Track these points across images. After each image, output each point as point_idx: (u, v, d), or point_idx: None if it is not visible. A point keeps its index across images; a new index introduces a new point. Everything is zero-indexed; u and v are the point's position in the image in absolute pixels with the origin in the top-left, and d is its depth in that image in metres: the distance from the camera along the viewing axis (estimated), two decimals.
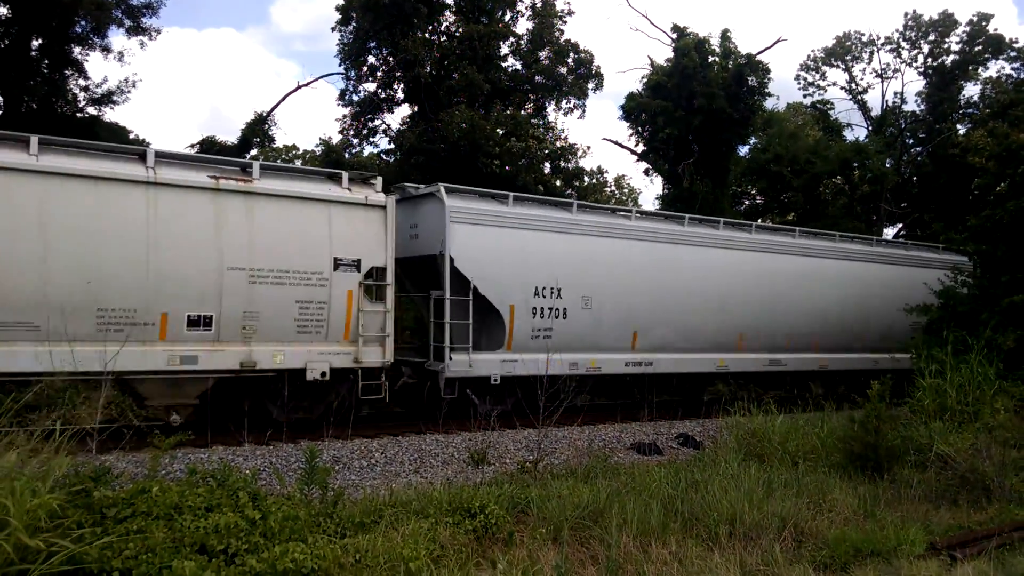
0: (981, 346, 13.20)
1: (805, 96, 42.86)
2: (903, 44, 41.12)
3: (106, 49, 25.84)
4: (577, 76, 29.55)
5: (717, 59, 30.89)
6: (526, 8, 29.43)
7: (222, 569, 5.29)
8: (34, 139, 10.50)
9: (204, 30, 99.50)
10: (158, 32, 26.41)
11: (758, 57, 30.67)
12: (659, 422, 15.17)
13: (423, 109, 26.87)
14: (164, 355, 11.16)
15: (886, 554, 7.18)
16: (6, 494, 5.04)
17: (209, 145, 27.89)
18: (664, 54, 39.63)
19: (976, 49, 38.64)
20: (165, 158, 11.73)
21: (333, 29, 28.67)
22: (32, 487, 5.27)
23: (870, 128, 41.53)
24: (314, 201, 12.45)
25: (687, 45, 30.21)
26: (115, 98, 26.16)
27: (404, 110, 29.40)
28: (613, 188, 45.04)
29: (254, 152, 30.11)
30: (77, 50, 25.24)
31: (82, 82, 25.72)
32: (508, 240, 14.28)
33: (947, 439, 10.26)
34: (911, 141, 41.16)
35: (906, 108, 41.26)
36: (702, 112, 29.30)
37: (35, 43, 24.21)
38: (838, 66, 42.84)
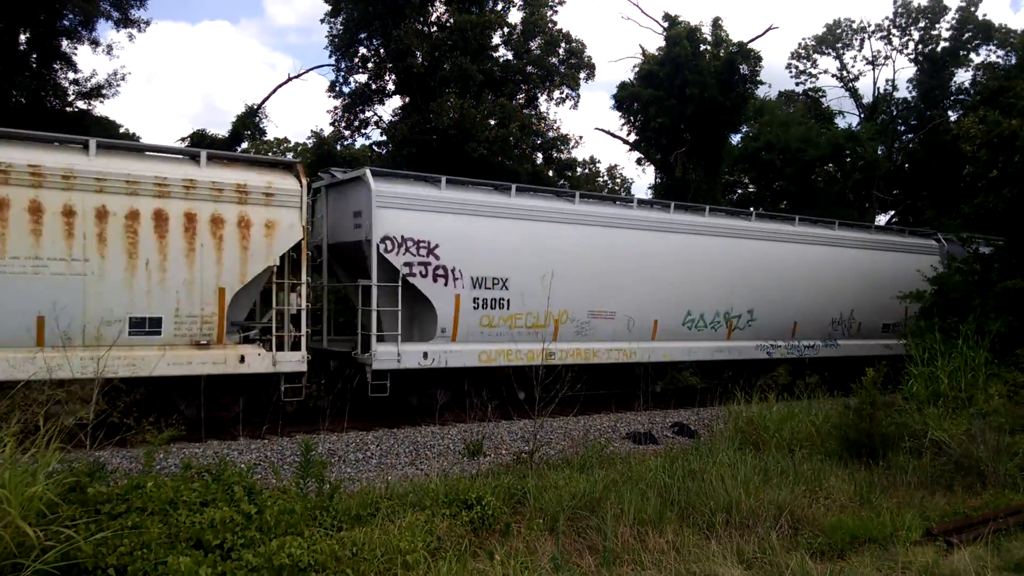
0: (972, 331, 13.21)
1: (797, 84, 42.87)
2: (893, 31, 41.13)
3: (95, 42, 25.68)
4: (569, 66, 29.42)
5: (709, 48, 30.79)
6: None
7: (218, 564, 5.26)
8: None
9: (198, 24, 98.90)
10: (147, 24, 26.24)
11: (749, 45, 30.61)
12: (654, 411, 15.20)
13: (415, 100, 26.72)
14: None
15: (883, 540, 7.20)
16: (3, 485, 5.01)
17: (200, 138, 27.69)
18: (656, 43, 39.60)
19: (966, 36, 38.67)
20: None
21: (323, 20, 28.51)
22: (25, 479, 5.23)
23: (862, 115, 41.55)
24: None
25: (678, 34, 30.11)
26: (104, 92, 25.98)
27: (395, 101, 29.24)
28: (606, 178, 44.89)
29: (245, 145, 29.95)
30: (65, 43, 25.04)
31: (71, 76, 25.54)
32: None
33: (941, 425, 10.28)
34: (903, 128, 41.17)
35: (897, 95, 41.30)
36: (694, 101, 29.24)
37: (23, 37, 24.00)
38: (829, 54, 42.80)
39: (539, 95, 29.72)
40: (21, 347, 10.21)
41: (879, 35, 41.66)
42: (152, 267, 11.16)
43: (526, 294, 14.10)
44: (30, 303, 10.40)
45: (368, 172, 13.24)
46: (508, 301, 14.13)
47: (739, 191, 40.08)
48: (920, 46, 40.07)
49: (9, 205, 10.25)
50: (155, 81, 79.43)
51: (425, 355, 13.43)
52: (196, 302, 11.46)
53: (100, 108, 26.47)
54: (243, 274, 11.84)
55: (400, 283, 13.20)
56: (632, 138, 34.73)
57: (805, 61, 42.89)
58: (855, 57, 42.49)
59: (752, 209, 20.21)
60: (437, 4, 27.62)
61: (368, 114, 29.58)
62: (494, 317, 14.06)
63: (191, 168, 11.70)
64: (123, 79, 26.38)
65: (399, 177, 14.08)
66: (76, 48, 25.43)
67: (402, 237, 13.18)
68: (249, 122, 29.41)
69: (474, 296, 13.85)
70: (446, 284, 13.59)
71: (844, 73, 42.51)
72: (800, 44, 43.63)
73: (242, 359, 11.84)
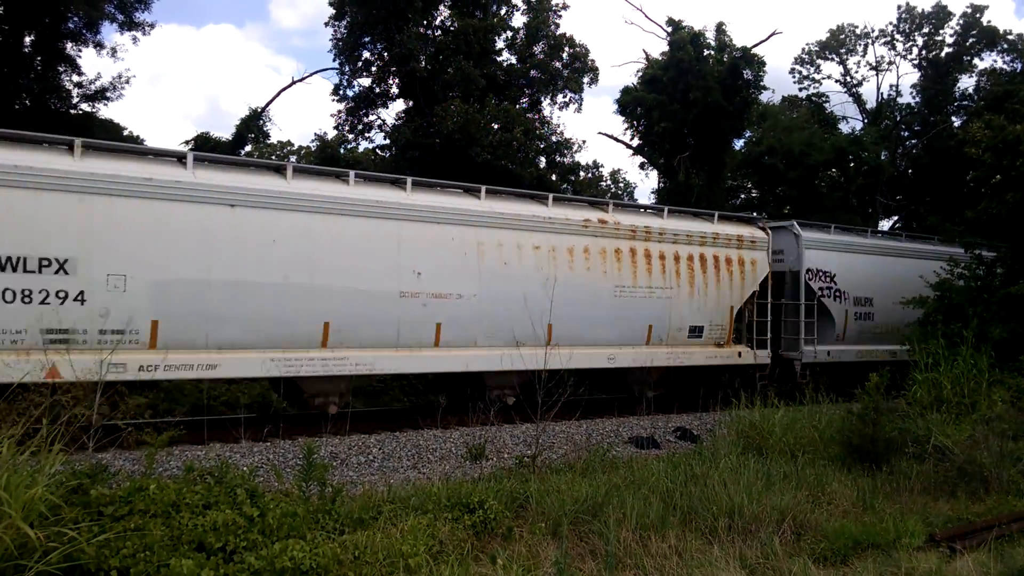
0: (972, 338, 13.16)
1: (800, 89, 42.82)
2: (897, 37, 41.09)
3: (99, 45, 25.69)
4: (572, 70, 29.46)
5: (712, 52, 30.80)
6: (521, 2, 29.41)
7: (220, 567, 5.26)
8: None
9: (203, 27, 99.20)
10: (151, 27, 26.28)
11: (753, 50, 30.62)
12: (656, 416, 15.18)
13: (418, 104, 26.78)
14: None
15: (886, 546, 7.19)
16: (1, 486, 5.00)
17: (203, 141, 27.75)
18: (659, 48, 39.59)
19: (970, 41, 38.63)
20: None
21: (327, 24, 28.57)
22: (26, 481, 5.23)
23: (865, 121, 41.47)
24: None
25: (682, 38, 30.14)
26: (109, 94, 25.98)
27: (399, 105, 29.32)
28: (609, 182, 44.91)
29: (248, 148, 29.99)
30: (70, 46, 25.08)
31: (75, 78, 25.55)
32: None
33: (944, 431, 10.25)
34: (906, 133, 41.10)
35: (901, 101, 41.24)
36: (697, 106, 29.24)
37: (27, 39, 24.06)
38: (832, 59, 42.75)
39: (542, 99, 29.79)
40: (638, 344, 15.68)
41: (883, 40, 41.64)
42: (699, 292, 16.37)
43: (879, 310, 19.61)
44: (645, 317, 15.65)
45: (795, 223, 18.84)
46: (872, 315, 19.68)
47: (742, 196, 40.02)
48: (924, 51, 40.04)
49: (635, 252, 15.53)
50: (159, 83, 79.77)
51: (828, 352, 18.76)
52: (719, 315, 16.72)
53: (104, 111, 26.54)
54: (741, 297, 17.20)
55: (816, 302, 18.48)
56: (635, 142, 34.77)
57: (809, 66, 42.85)
58: (859, 62, 42.47)
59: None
60: (440, 8, 27.71)
61: (371, 117, 29.70)
62: (864, 326, 19.64)
63: (709, 224, 17.14)
64: (127, 82, 26.36)
65: (807, 226, 19.23)
66: (80, 51, 25.47)
67: (816, 269, 18.68)
68: (253, 125, 29.48)
69: (855, 311, 19.38)
70: (840, 302, 19.13)
71: (848, 78, 42.49)
72: (804, 49, 43.57)
73: (739, 355, 17.15)
